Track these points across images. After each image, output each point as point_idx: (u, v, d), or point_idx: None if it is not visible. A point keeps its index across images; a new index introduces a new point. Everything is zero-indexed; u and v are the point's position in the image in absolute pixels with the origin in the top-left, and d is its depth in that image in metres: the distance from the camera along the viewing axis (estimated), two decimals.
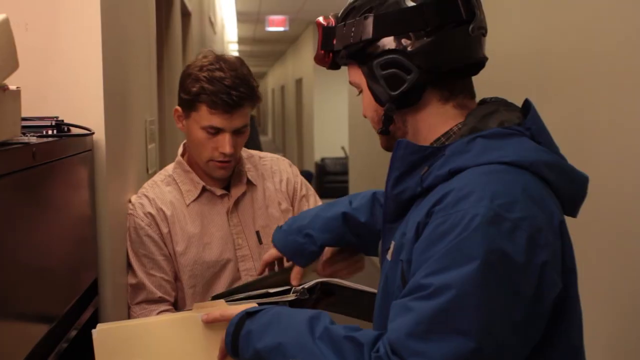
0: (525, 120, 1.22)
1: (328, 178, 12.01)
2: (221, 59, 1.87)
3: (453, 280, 1.04)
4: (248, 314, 1.32)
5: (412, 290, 1.09)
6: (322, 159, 12.26)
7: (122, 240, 1.91)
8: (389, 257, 1.25)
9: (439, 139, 1.24)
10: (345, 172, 10.25)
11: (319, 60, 1.34)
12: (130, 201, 1.95)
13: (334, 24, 1.30)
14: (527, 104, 1.26)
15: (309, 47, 13.05)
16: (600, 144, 2.17)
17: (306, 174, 12.40)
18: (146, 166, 2.37)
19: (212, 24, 7.58)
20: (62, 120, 1.55)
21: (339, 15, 1.31)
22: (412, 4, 1.21)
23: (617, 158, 2.09)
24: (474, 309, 1.03)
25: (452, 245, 1.06)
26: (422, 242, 1.12)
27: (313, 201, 2.10)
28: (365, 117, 1.34)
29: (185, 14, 4.64)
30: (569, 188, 1.19)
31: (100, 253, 1.72)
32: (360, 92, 1.32)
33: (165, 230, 1.91)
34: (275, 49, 17.62)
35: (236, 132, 1.87)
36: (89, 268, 1.67)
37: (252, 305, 1.42)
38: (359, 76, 1.29)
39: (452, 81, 1.24)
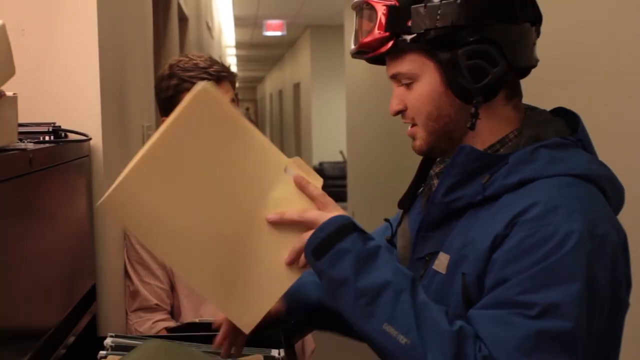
0: (576, 131, 1.21)
1: (326, 182, 11.77)
2: (185, 55, 1.91)
3: (561, 299, 1.02)
4: (353, 227, 1.12)
5: (506, 305, 1.05)
6: (321, 163, 12.26)
7: (120, 246, 1.90)
8: (441, 270, 1.17)
9: (493, 145, 1.20)
10: (343, 177, 10.24)
11: (372, 44, 1.19)
12: None
13: (397, 4, 1.17)
14: (563, 112, 1.24)
15: (306, 52, 13.06)
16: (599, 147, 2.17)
17: None
18: None
19: (209, 28, 7.58)
20: (59, 126, 1.55)
21: None
22: None
23: (618, 161, 2.09)
24: (578, 329, 1.02)
25: (551, 261, 1.03)
26: (504, 255, 1.07)
27: None
28: (396, 113, 1.24)
29: (183, 19, 4.64)
30: (616, 199, 1.18)
31: (98, 259, 1.72)
32: (408, 83, 1.20)
33: None
34: (273, 53, 17.64)
35: None
36: (87, 274, 1.66)
37: None
38: (420, 65, 1.18)
39: (517, 81, 1.22)
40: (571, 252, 1.03)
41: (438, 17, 1.14)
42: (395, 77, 1.23)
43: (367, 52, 1.22)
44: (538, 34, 1.22)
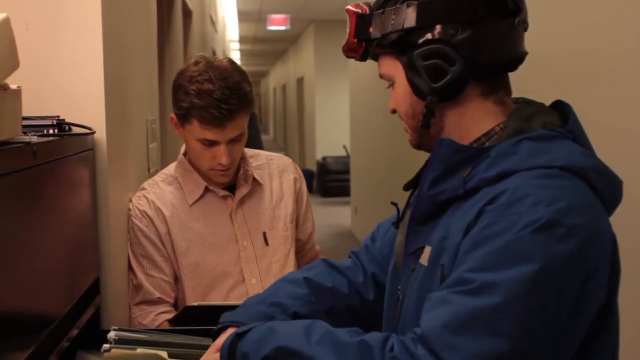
0: (567, 123, 1.19)
1: (329, 177, 12.01)
2: (211, 67, 1.81)
3: (501, 280, 1.01)
4: (238, 335, 1.26)
5: (453, 284, 1.06)
6: (324, 158, 12.26)
7: (124, 239, 1.90)
8: (424, 262, 1.19)
9: (479, 138, 1.21)
10: (346, 171, 10.25)
11: (349, 50, 1.28)
12: (130, 201, 1.96)
13: (367, 12, 1.24)
14: (560, 105, 1.24)
15: (310, 46, 13.05)
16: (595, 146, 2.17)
17: (307, 173, 12.44)
18: (147, 165, 2.37)
19: (213, 22, 7.58)
20: (63, 120, 1.55)
21: (375, 3, 1.25)
22: None
23: (615, 159, 2.09)
24: (517, 313, 1.01)
25: (503, 245, 1.04)
26: (468, 241, 1.09)
27: (309, 211, 2.13)
28: (393, 112, 1.29)
29: (187, 13, 4.64)
30: (609, 192, 1.16)
31: (102, 252, 1.72)
32: (391, 85, 1.26)
33: (163, 231, 1.90)
34: (277, 47, 17.62)
35: (232, 141, 1.84)
36: (91, 267, 1.67)
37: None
38: (393, 68, 1.24)
39: (493, 76, 1.21)
40: (523, 237, 1.03)
41: (392, 21, 1.20)
42: (382, 78, 1.28)
43: (351, 56, 1.29)
44: (522, 25, 1.20)
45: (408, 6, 1.18)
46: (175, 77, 1.88)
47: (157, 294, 1.88)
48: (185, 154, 1.99)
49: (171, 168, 2.01)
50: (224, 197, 1.95)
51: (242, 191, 1.96)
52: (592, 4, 2.32)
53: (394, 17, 1.19)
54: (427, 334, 1.04)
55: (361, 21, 1.24)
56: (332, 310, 1.44)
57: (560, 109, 1.23)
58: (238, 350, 1.24)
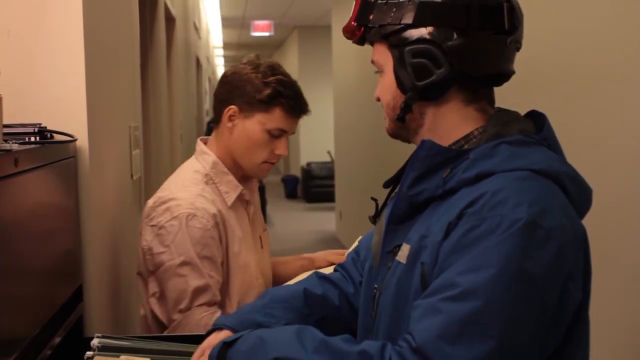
0: (541, 131, 1.23)
1: (314, 182, 12.01)
2: (271, 63, 1.91)
3: (483, 283, 1.05)
4: (226, 344, 1.27)
5: (440, 289, 1.08)
6: (308, 164, 12.26)
7: (107, 246, 1.90)
8: (402, 260, 1.22)
9: (458, 141, 1.24)
10: (331, 177, 10.25)
11: (348, 32, 1.31)
12: (171, 199, 1.82)
13: (372, 0, 1.27)
14: (534, 114, 1.28)
15: (294, 52, 13.06)
16: (582, 150, 2.19)
17: (292, 179, 12.42)
18: (130, 172, 2.36)
19: (196, 29, 7.57)
20: (45, 127, 1.54)
21: None
22: (460, 0, 1.20)
23: (598, 166, 2.11)
24: (503, 314, 1.04)
25: (487, 248, 1.07)
26: (451, 243, 1.11)
27: None
28: (377, 99, 1.32)
29: (170, 19, 4.63)
30: (580, 199, 1.20)
31: (85, 260, 1.72)
32: (380, 72, 1.30)
33: (223, 232, 1.84)
34: (261, 53, 17.50)
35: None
36: (73, 275, 1.66)
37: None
38: (384, 57, 1.27)
39: (478, 86, 1.25)
40: (508, 239, 1.06)
41: (392, 14, 1.23)
42: (373, 64, 1.31)
43: (349, 38, 1.33)
44: (513, 45, 1.23)
45: (409, 3, 1.22)
46: (228, 77, 1.90)
47: (219, 296, 1.81)
48: (211, 151, 1.92)
49: (197, 166, 1.91)
50: (248, 202, 1.96)
51: (254, 195, 1.99)
52: (572, 12, 2.34)
53: (394, 10, 1.23)
54: (423, 347, 1.06)
55: (364, 6, 1.28)
56: (322, 320, 1.46)
57: (534, 118, 1.28)
58: (227, 359, 1.25)
